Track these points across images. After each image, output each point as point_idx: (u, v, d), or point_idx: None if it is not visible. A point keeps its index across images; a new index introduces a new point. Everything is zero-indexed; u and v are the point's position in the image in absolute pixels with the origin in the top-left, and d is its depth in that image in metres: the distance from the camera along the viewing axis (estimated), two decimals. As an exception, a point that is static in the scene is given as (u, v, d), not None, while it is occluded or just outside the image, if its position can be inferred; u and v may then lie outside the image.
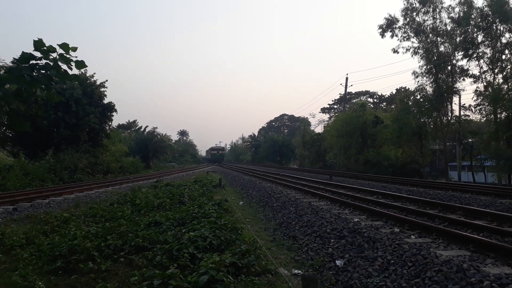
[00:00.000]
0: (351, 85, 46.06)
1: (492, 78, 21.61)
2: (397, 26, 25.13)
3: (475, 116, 25.61)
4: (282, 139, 58.64)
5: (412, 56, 25.11)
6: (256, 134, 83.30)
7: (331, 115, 62.35)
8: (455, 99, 24.44)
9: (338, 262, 4.83)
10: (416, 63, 72.83)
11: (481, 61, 22.14)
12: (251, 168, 38.13)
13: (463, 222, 6.26)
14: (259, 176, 21.12)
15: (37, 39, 2.50)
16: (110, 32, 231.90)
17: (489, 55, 21.70)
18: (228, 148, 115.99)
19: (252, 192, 13.89)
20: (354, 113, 30.96)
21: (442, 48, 23.90)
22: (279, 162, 55.83)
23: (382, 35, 25.55)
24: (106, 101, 24.53)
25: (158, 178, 21.49)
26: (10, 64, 13.12)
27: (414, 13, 24.50)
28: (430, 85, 24.02)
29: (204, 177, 20.95)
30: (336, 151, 33.62)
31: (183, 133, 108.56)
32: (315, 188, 13.04)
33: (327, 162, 37.89)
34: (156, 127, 46.33)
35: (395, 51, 25.19)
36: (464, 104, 45.08)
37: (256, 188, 14.89)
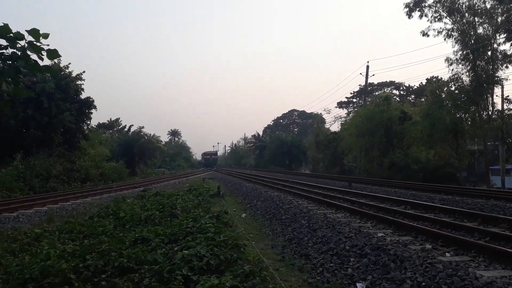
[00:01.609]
0: (373, 75, 46.08)
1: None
2: (426, 4, 25.04)
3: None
4: (291, 139, 58.72)
5: (444, 39, 24.96)
6: (260, 133, 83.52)
7: (349, 110, 62.35)
8: (497, 90, 24.09)
9: (359, 286, 4.81)
10: (449, 48, 72.52)
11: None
12: (255, 174, 38.15)
13: (508, 236, 6.22)
14: (264, 184, 21.16)
15: (2, 25, 2.49)
16: (88, 17, 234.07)
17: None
18: (228, 151, 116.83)
19: (256, 203, 13.92)
20: (377, 107, 30.87)
21: (480, 30, 23.70)
22: (288, 166, 55.87)
23: (409, 15, 25.46)
24: (83, 96, 24.74)
25: (146, 187, 21.60)
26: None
27: (447, -11, 24.41)
28: (467, 73, 23.82)
29: (200, 185, 21.00)
30: (355, 153, 33.55)
31: (174, 133, 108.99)
32: (331, 198, 13.03)
33: (345, 167, 37.82)
34: (143, 127, 46.69)
35: (424, 34, 25.09)
36: (508, 96, 44.65)
37: (261, 197, 14.92)
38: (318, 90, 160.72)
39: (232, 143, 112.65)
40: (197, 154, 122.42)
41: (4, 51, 2.55)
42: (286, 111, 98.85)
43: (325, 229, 7.85)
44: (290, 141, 56.92)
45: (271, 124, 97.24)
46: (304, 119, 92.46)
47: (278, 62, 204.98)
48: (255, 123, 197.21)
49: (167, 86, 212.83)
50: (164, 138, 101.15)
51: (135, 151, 41.05)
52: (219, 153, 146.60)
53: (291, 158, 56.73)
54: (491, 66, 23.30)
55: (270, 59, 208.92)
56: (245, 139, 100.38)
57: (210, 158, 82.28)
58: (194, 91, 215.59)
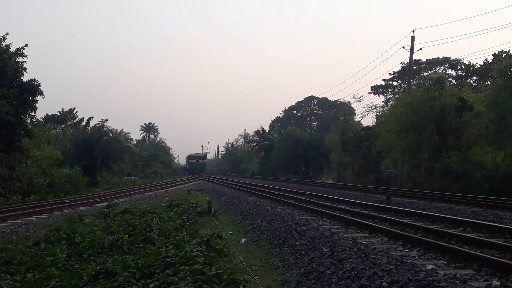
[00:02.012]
0: (420, 49, 45.28)
1: None
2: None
3: None
4: (308, 136, 58.80)
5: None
6: (266, 129, 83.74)
7: (387, 97, 62.22)
8: None
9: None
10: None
11: None
12: (259, 184, 38.22)
13: None
14: (272, 197, 21.25)
15: None
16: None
17: None
18: (222, 153, 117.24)
19: (261, 223, 13.97)
20: (426, 93, 30.79)
21: None
22: (304, 173, 56.06)
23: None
24: (26, 78, 24.78)
25: (111, 201, 21.70)
26: None
27: None
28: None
29: (184, 199, 21.09)
30: (396, 156, 33.50)
31: (149, 129, 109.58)
32: (363, 216, 13.05)
33: (382, 174, 37.76)
34: (106, 120, 46.69)
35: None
36: None
37: (267, 216, 14.98)
38: (345, 70, 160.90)
39: (228, 142, 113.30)
40: (180, 157, 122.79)
41: None
42: (302, 98, 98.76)
43: (355, 259, 7.86)
44: (307, 140, 57.02)
45: (281, 116, 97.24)
46: (325, 109, 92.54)
47: (289, 34, 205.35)
48: (259, 115, 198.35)
49: (141, 67, 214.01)
50: (136, 135, 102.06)
51: (96, 153, 41.24)
52: (210, 156, 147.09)
53: (309, 162, 56.81)
54: None
55: (279, 32, 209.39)
56: (245, 136, 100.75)
57: (196, 163, 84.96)
58: (177, 74, 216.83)
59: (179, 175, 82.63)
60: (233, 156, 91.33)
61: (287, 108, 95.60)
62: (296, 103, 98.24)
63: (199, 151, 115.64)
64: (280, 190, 26.95)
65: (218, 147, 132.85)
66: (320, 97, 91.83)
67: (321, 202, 18.00)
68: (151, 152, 69.26)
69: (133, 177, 49.91)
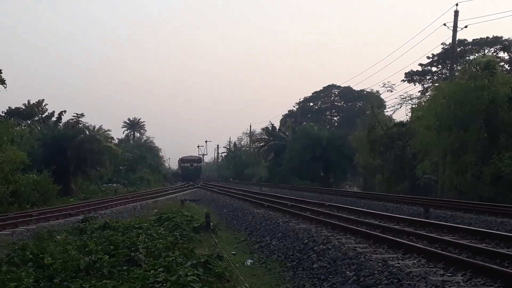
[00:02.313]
0: (465, 27, 45.07)
1: None
2: None
3: None
4: (328, 135, 58.71)
5: None
6: (277, 125, 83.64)
7: (425, 86, 61.99)
8: None
9: None
10: None
11: None
12: (268, 193, 38.23)
13: None
14: (283, 209, 21.26)
15: None
16: None
17: None
18: (222, 155, 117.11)
19: (270, 241, 14.00)
20: (472, 81, 30.65)
21: None
22: (323, 179, 56.07)
23: None
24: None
25: (88, 214, 21.75)
26: None
27: None
28: None
29: (177, 211, 21.17)
30: (436, 158, 33.36)
31: (133, 125, 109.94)
32: (395, 233, 13.03)
33: (419, 181, 37.59)
34: (82, 114, 46.86)
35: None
36: None
37: (278, 232, 15.00)
38: (373, 53, 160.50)
39: (230, 142, 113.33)
40: (172, 161, 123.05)
41: None
42: (320, 87, 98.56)
43: (386, 285, 7.85)
44: (327, 138, 56.90)
45: (295, 109, 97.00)
46: (349, 100, 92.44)
47: (302, 8, 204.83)
48: (268, 109, 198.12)
49: (124, 51, 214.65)
50: (118, 133, 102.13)
51: (69, 154, 41.37)
52: (208, 158, 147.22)
53: (328, 166, 56.66)
54: None
55: (290, 5, 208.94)
56: (250, 134, 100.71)
57: (190, 167, 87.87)
58: (167, 60, 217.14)
59: (170, 181, 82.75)
60: (236, 158, 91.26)
61: (302, 99, 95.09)
62: (313, 93, 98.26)
63: (195, 152, 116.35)
64: (293, 200, 26.88)
65: (217, 147, 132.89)
66: (342, 86, 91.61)
67: (344, 215, 17.99)
68: (136, 153, 69.37)
69: (114, 185, 50.08)
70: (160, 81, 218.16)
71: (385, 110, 56.43)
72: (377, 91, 72.10)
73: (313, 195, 34.37)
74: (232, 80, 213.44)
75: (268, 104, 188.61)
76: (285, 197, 30.39)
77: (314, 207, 21.76)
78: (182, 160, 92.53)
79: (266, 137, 79.28)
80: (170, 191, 45.78)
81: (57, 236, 14.36)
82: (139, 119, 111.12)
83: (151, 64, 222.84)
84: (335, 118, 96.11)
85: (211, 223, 17.18)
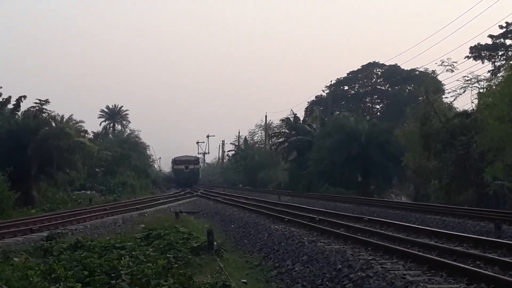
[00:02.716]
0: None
1: None
2: None
3: None
4: (369, 127, 58.52)
5: None
6: (301, 116, 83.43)
7: (496, 64, 61.42)
8: None
9: None
10: None
11: None
12: (289, 203, 38.21)
13: None
14: (309, 224, 21.27)
15: None
16: None
17: None
18: (229, 154, 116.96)
19: (292, 266, 13.99)
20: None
21: None
22: (362, 186, 55.98)
23: None
24: None
25: (55, 230, 21.73)
26: None
27: None
28: None
29: (170, 227, 21.25)
30: (511, 159, 33.08)
31: (113, 115, 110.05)
32: (457, 256, 12.92)
33: (488, 189, 37.31)
34: (47, 101, 46.86)
35: None
36: None
37: (302, 254, 15.00)
38: (427, 22, 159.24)
39: (239, 137, 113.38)
40: (163, 161, 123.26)
41: None
42: (357, 66, 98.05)
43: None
44: (367, 133, 56.69)
45: (324, 94, 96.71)
46: (395, 83, 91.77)
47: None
48: (288, 95, 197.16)
49: (102, 21, 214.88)
50: (94, 124, 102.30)
51: (30, 153, 41.38)
52: (210, 158, 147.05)
53: (369, 169, 56.32)
54: None
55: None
56: (266, 127, 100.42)
57: (185, 170, 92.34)
58: (160, 35, 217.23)
59: (161, 188, 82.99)
60: (247, 158, 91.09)
61: (333, 82, 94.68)
62: (348, 73, 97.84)
63: (193, 151, 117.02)
64: (322, 213, 26.85)
65: (223, 144, 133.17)
66: (387, 64, 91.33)
67: (389, 233, 17.94)
68: (117, 151, 69.51)
69: (88, 192, 50.16)
70: (147, 58, 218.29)
71: (443, 96, 55.99)
72: (433, 71, 71.40)
73: (349, 207, 34.32)
74: (242, 56, 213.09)
75: (289, 88, 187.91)
76: (311, 209, 30.34)
77: (350, 222, 21.73)
78: (175, 161, 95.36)
79: (287, 130, 79.21)
80: (161, 201, 45.92)
81: (15, 258, 14.39)
82: (121, 107, 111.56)
83: (136, 35, 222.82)
84: (378, 106, 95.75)
85: (215, 243, 17.14)
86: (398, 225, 20.44)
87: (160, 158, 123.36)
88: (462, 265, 11.31)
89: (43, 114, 46.57)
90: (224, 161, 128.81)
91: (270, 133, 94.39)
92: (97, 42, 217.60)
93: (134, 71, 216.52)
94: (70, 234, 20.70)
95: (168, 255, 14.50)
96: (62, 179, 47.07)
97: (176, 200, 48.46)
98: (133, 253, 14.42)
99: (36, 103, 47.21)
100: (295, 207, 32.39)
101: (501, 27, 61.39)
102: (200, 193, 59.73)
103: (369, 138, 55.77)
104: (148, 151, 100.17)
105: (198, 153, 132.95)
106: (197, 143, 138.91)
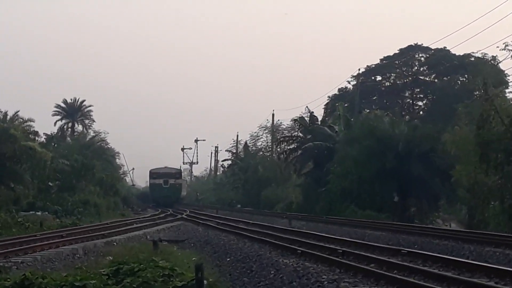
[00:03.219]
0: None
1: None
2: None
3: None
4: (409, 131, 58.33)
5: None
6: (319, 115, 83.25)
7: None
8: None
9: None
10: None
11: None
12: (303, 230, 38.23)
13: None
14: (329, 258, 21.21)
15: None
16: None
17: None
18: (224, 165, 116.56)
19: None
20: None
21: None
22: (399, 208, 55.94)
23: None
24: None
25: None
26: None
27: None
28: None
29: (147, 260, 21.15)
30: None
31: (72, 112, 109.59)
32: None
33: None
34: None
35: None
36: None
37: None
38: None
39: (237, 142, 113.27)
40: (138, 172, 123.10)
41: None
42: (393, 50, 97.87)
43: None
44: (405, 138, 56.72)
45: (350, 86, 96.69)
46: (443, 73, 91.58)
47: None
48: (304, 88, 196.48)
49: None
50: (46, 124, 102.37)
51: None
52: (198, 169, 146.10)
53: (408, 186, 56.38)
54: None
55: None
56: (273, 129, 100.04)
57: (164, 185, 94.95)
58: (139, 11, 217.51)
59: (134, 208, 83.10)
60: (248, 170, 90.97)
61: (362, 70, 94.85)
62: (381, 59, 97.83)
63: (177, 158, 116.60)
64: (347, 243, 26.86)
65: (216, 151, 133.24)
66: (432, 47, 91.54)
67: (436, 271, 17.83)
68: (77, 160, 69.65)
69: (39, 213, 50.03)
70: (117, 38, 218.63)
71: (507, 90, 55.99)
72: (494, 57, 71.45)
73: (381, 236, 34.33)
74: (241, 36, 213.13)
75: (304, 78, 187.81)
76: (332, 237, 30.33)
77: (383, 256, 21.71)
78: (151, 174, 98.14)
79: (301, 134, 79.02)
80: (135, 225, 45.94)
81: None
82: (82, 101, 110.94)
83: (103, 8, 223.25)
84: (420, 103, 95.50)
85: (205, 281, 17.21)
86: (446, 260, 20.30)
87: (133, 169, 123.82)
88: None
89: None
90: (218, 173, 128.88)
91: (279, 137, 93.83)
92: (53, 15, 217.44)
93: (101, 54, 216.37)
94: (15, 269, 20.67)
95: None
96: (4, 196, 47.15)
97: (155, 224, 48.46)
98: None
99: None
100: (310, 235, 32.37)
101: None
102: (186, 216, 59.82)
103: (408, 146, 55.77)
104: (117, 160, 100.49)
105: (184, 163, 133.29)
106: (183, 149, 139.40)
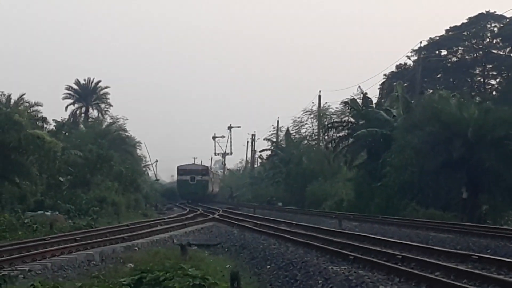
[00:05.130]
0: None
1: None
2: None
3: None
4: (480, 114, 57.64)
5: None
6: (373, 97, 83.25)
7: None
8: None
9: None
10: None
11: None
12: (354, 231, 38.26)
13: None
14: (386, 265, 21.18)
15: None
16: None
17: None
18: (263, 156, 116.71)
19: None
20: None
21: None
22: (468, 206, 55.16)
23: None
24: None
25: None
26: None
27: None
28: None
29: (174, 267, 21.19)
30: None
31: (85, 94, 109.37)
32: None
33: None
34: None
35: None
36: None
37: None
38: None
39: (277, 129, 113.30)
40: (162, 166, 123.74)
41: None
42: (461, 20, 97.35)
43: None
44: (477, 123, 56.13)
45: (410, 62, 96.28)
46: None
47: None
48: (356, 65, 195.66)
49: None
50: (56, 109, 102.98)
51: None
52: (232, 162, 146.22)
53: (479, 180, 55.84)
54: None
55: None
56: (319, 114, 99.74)
57: (190, 181, 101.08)
58: None
59: (159, 206, 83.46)
60: (291, 162, 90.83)
61: (425, 43, 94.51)
62: (447, 30, 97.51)
63: (209, 149, 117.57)
64: (407, 247, 26.82)
65: (253, 139, 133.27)
66: (507, 16, 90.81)
67: (510, 279, 17.65)
68: (92, 151, 69.89)
69: (49, 213, 50.31)
70: (139, 17, 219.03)
71: None
72: None
73: (448, 238, 34.18)
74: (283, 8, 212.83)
75: (356, 54, 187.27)
76: (389, 241, 30.29)
77: (451, 263, 21.57)
78: (179, 171, 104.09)
79: (352, 119, 78.65)
80: (160, 227, 46.11)
81: None
82: (98, 82, 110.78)
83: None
84: (493, 82, 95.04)
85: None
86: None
87: (157, 161, 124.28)
88: None
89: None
90: (255, 165, 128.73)
91: (326, 123, 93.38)
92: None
93: (119, 33, 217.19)
94: (22, 278, 20.79)
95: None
96: (8, 193, 47.31)
97: (182, 226, 48.70)
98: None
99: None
100: (364, 238, 32.39)
101: None
102: (218, 216, 59.91)
103: (479, 132, 55.19)
104: (139, 151, 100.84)
105: (216, 153, 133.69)
106: (214, 138, 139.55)
